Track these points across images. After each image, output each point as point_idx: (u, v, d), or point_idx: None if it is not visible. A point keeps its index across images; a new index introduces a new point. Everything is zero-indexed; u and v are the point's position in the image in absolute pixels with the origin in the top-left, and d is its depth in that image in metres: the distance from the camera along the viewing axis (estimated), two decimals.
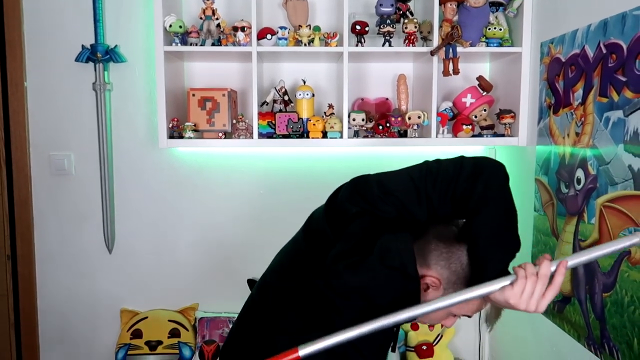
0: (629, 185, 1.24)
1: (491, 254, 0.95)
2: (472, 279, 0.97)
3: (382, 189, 1.02)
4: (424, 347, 2.04)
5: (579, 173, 1.46)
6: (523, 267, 0.90)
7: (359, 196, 1.03)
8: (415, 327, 2.07)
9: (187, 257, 2.16)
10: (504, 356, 2.06)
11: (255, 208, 2.13)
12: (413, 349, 2.07)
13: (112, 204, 2.12)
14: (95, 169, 2.10)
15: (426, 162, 1.07)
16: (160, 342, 2.06)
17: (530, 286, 0.87)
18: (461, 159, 1.02)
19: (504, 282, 0.89)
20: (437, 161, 1.05)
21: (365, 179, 1.07)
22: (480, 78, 1.95)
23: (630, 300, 1.21)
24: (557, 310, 1.57)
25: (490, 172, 1.00)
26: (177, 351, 2.05)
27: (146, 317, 2.12)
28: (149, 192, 2.14)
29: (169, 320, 2.12)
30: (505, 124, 1.89)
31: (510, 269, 0.95)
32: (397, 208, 1.00)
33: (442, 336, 2.10)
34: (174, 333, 2.09)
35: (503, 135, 1.90)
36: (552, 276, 0.89)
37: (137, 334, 2.08)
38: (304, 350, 0.92)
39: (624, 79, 1.27)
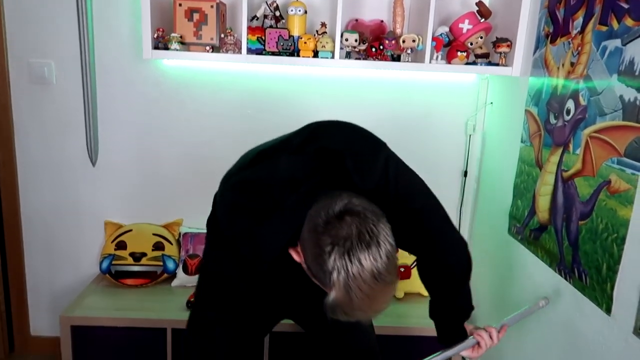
0: (617, 115, 1.24)
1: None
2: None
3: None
4: (402, 269, 2.11)
5: (569, 104, 1.46)
6: (490, 333, 1.31)
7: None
8: None
9: (171, 173, 2.15)
10: (478, 278, 2.13)
11: (241, 127, 2.11)
12: None
13: (95, 115, 2.08)
14: (77, 79, 2.04)
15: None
16: (144, 254, 2.09)
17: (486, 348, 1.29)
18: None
19: (471, 343, 1.31)
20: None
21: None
22: (479, 4, 1.88)
23: (605, 228, 1.25)
24: (533, 238, 1.62)
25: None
26: (161, 263, 2.10)
27: (130, 230, 2.15)
28: (133, 105, 2.09)
29: (153, 234, 2.14)
30: (500, 52, 1.85)
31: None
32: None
33: None
34: (158, 246, 2.12)
35: (497, 65, 1.87)
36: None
37: (121, 246, 2.11)
38: None
39: (626, 6, 1.23)
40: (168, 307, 1.94)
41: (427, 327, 1.90)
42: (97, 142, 2.10)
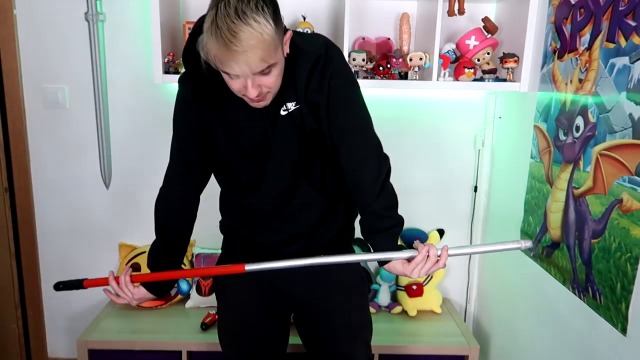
0: (627, 134, 1.23)
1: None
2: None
3: None
4: (414, 287, 2.10)
5: (579, 120, 1.45)
6: (428, 248, 1.13)
7: None
8: None
9: None
10: (490, 297, 2.13)
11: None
12: (403, 289, 2.13)
13: (108, 139, 2.11)
14: (89, 103, 2.08)
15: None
16: None
17: (427, 265, 1.13)
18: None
19: (411, 254, 1.14)
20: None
21: None
22: (485, 19, 1.89)
23: (618, 247, 1.24)
24: (546, 255, 1.61)
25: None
26: (175, 285, 2.11)
27: (144, 252, 2.17)
28: (145, 129, 2.12)
29: None
30: (508, 68, 1.85)
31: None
32: None
33: (432, 277, 2.16)
34: None
35: (505, 80, 1.87)
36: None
37: (135, 268, 2.13)
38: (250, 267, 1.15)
39: (633, 23, 1.23)
40: (182, 329, 1.95)
41: (440, 345, 1.90)
42: (110, 165, 2.14)
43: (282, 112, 1.16)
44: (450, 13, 1.78)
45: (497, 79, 1.90)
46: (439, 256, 1.13)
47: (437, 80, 1.85)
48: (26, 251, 2.20)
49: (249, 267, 1.15)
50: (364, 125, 1.20)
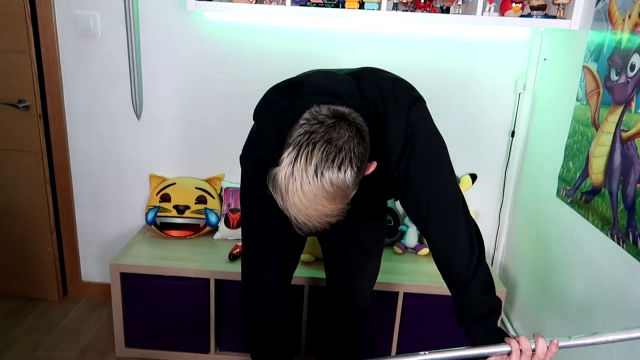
0: None
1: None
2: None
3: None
4: None
5: (635, 59, 1.36)
6: (518, 340, 0.99)
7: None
8: None
9: (213, 128, 2.16)
10: (519, 244, 2.10)
11: None
12: None
13: (139, 68, 2.09)
14: (121, 31, 2.04)
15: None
16: (187, 207, 2.14)
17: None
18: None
19: (502, 349, 1.01)
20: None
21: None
22: None
23: None
24: (584, 201, 1.56)
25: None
26: (204, 216, 2.14)
27: (174, 183, 2.19)
28: (176, 59, 2.09)
29: (196, 188, 2.18)
30: (559, 4, 1.73)
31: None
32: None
33: None
34: (201, 200, 2.16)
35: (555, 17, 1.76)
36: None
37: (165, 198, 2.16)
38: None
39: None
40: (211, 258, 1.99)
41: None
42: (141, 95, 2.13)
43: None
44: None
45: (546, 16, 1.79)
46: (533, 350, 0.99)
47: (482, 14, 1.75)
48: (60, 178, 2.25)
49: None
50: (449, 197, 1.10)
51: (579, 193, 1.60)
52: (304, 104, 0.95)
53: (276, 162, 0.89)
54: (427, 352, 1.03)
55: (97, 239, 2.35)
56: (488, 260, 2.27)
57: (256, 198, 1.00)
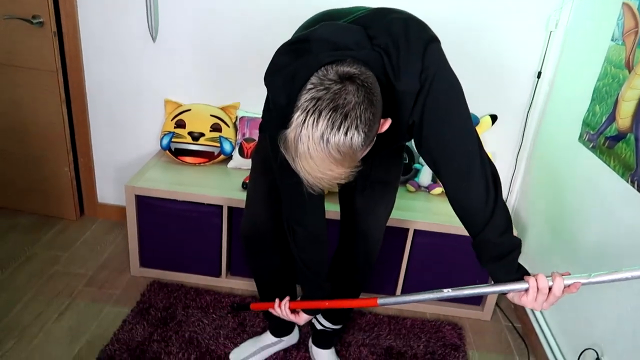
0: None
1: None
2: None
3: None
4: None
5: None
6: (536, 279, 1.01)
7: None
8: None
9: (229, 55, 2.11)
10: (535, 189, 2.08)
11: (302, 12, 1.99)
12: None
13: None
14: None
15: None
16: (202, 134, 2.13)
17: (540, 297, 1.02)
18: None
19: (520, 286, 1.03)
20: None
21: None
22: None
23: None
24: (607, 146, 1.52)
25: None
26: (218, 144, 2.14)
27: (189, 110, 2.17)
28: None
29: (211, 115, 2.16)
30: None
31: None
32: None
33: None
34: (216, 127, 2.15)
35: None
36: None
37: (180, 124, 2.15)
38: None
39: None
40: (224, 186, 2.00)
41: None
42: (157, 17, 2.06)
43: None
44: None
45: None
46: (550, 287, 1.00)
47: None
48: (76, 98, 2.24)
49: (381, 300, 1.17)
50: (465, 142, 1.07)
51: (602, 138, 1.56)
52: (312, 64, 0.94)
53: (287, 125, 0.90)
54: (449, 290, 1.07)
55: (113, 162, 2.38)
56: None
57: (283, 160, 1.01)
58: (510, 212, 2.24)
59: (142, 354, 1.70)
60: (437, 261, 1.97)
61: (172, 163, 2.17)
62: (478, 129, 2.08)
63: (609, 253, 1.48)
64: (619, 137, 1.46)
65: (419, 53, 1.01)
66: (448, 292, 1.07)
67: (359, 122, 0.86)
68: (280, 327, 1.73)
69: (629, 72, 1.45)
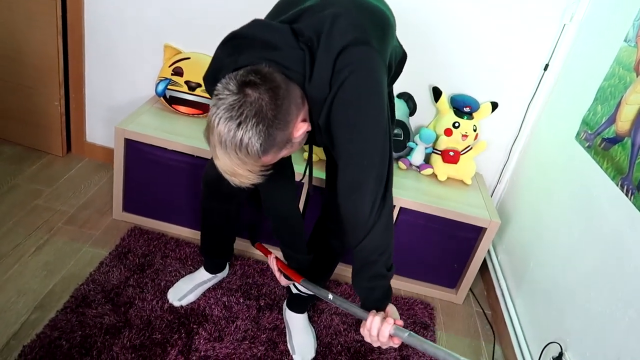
0: None
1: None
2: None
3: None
4: (451, 153, 2.05)
5: None
6: (372, 319, 1.06)
7: None
8: (448, 133, 2.05)
9: (234, 5, 2.05)
10: (524, 180, 2.09)
11: None
12: (439, 152, 2.09)
13: None
14: None
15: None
16: (199, 85, 2.09)
17: (367, 334, 1.08)
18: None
19: (362, 315, 1.11)
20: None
21: None
22: None
23: None
24: (603, 148, 1.52)
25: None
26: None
27: (188, 58, 2.12)
28: None
29: None
30: None
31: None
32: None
33: (471, 148, 2.10)
34: None
35: None
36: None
37: (178, 72, 2.10)
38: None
39: None
40: None
41: (461, 212, 1.91)
42: None
43: None
44: None
45: None
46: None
47: None
48: (73, 31, 2.17)
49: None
50: (366, 155, 1.03)
51: (599, 139, 1.55)
52: (229, 66, 0.99)
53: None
54: (331, 295, 1.22)
55: (104, 101, 2.33)
56: (489, 191, 2.27)
57: None
58: (496, 202, 2.26)
59: (117, 297, 1.70)
60: (419, 240, 1.98)
61: (166, 111, 2.13)
62: (477, 115, 2.07)
63: (587, 252, 1.50)
64: (616, 140, 1.46)
65: (334, 54, 0.96)
66: (331, 298, 1.22)
67: (252, 134, 0.89)
68: (216, 266, 1.80)
69: (637, 75, 1.43)
